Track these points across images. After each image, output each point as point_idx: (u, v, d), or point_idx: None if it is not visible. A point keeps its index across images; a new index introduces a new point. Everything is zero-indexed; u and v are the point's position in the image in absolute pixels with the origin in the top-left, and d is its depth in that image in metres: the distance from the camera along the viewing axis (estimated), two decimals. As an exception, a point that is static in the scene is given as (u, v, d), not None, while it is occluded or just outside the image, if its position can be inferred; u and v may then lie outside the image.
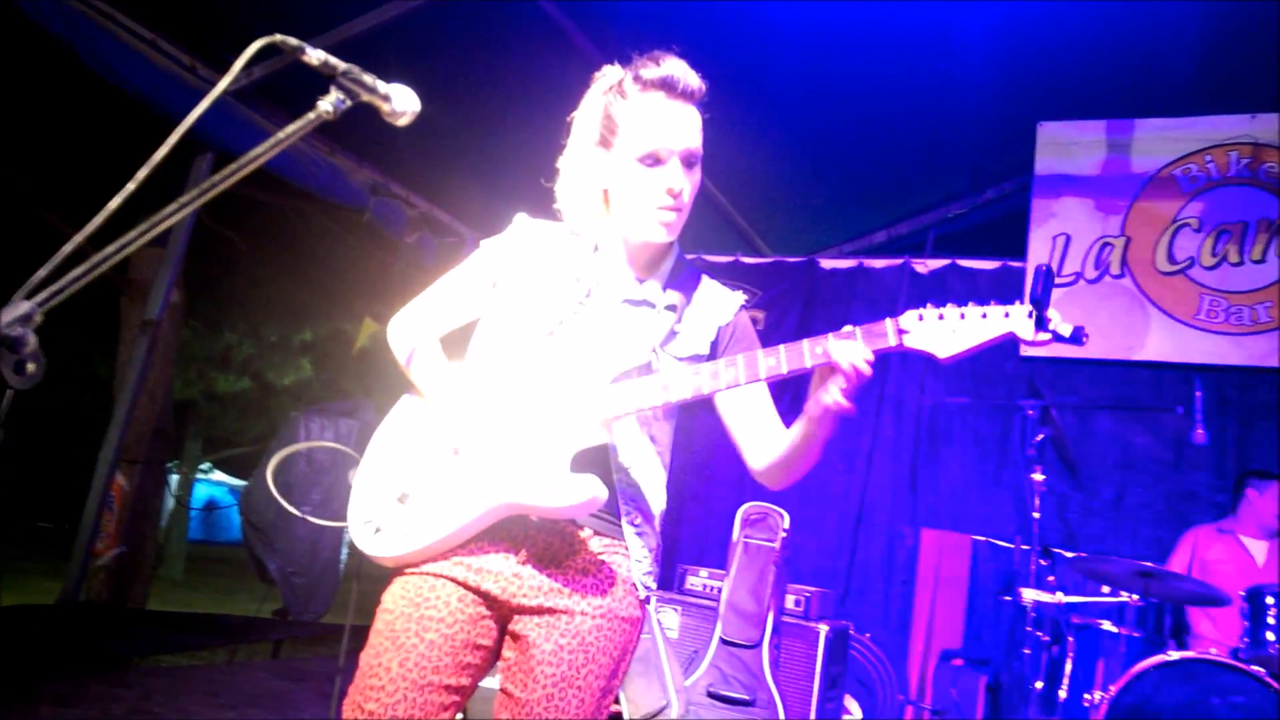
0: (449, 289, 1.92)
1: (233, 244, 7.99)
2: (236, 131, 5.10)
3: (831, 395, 1.65)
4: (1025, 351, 5.61)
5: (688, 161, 1.79)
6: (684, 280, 1.90)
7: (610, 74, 1.87)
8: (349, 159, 6.04)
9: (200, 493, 24.65)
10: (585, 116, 1.88)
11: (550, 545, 1.74)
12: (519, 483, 1.68)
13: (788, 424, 1.85)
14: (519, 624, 1.73)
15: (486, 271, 1.91)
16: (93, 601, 6.91)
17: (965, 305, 1.66)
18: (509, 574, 1.72)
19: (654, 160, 1.76)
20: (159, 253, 5.87)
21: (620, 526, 1.79)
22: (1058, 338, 1.65)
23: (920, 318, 1.65)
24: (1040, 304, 1.63)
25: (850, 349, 1.63)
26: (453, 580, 1.71)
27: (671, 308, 1.84)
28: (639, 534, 1.81)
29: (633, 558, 1.80)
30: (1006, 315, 1.63)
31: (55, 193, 7.40)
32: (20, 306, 1.25)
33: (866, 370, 1.63)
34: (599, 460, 1.74)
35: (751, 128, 5.51)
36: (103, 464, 5.43)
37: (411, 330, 1.89)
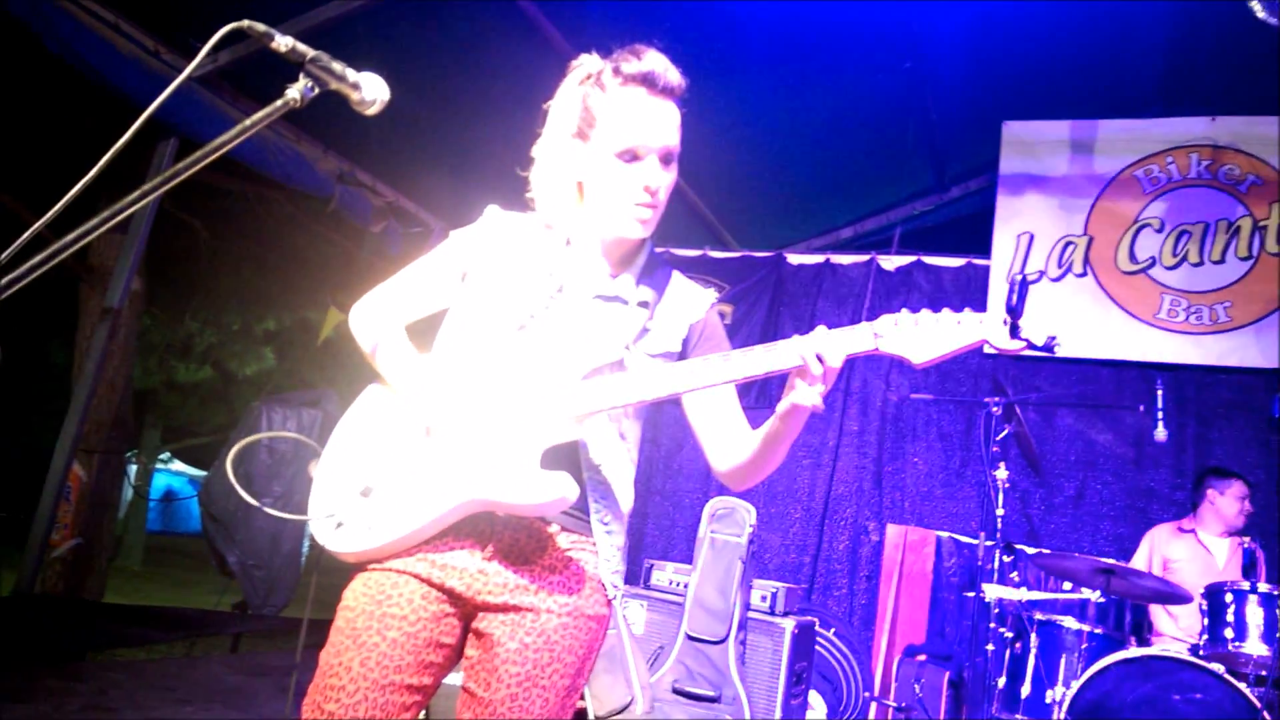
0: (416, 277, 1.87)
1: (195, 231, 7.86)
2: (201, 117, 5.01)
3: (804, 394, 1.64)
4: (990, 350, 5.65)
5: (665, 159, 1.77)
6: (656, 276, 1.88)
7: (588, 63, 1.84)
8: (315, 146, 5.95)
9: (159, 482, 24.35)
10: (562, 106, 1.85)
11: (517, 541, 1.71)
12: (488, 479, 1.64)
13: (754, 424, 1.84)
14: (483, 621, 1.70)
15: (456, 262, 1.87)
16: (48, 593, 6.78)
17: (940, 310, 1.66)
18: (474, 570, 1.68)
19: (632, 157, 1.73)
20: (119, 239, 5.77)
21: (589, 523, 1.77)
22: (1031, 346, 1.65)
23: (896, 323, 1.65)
24: (1015, 313, 1.63)
25: (828, 350, 1.62)
26: (416, 577, 1.67)
27: (644, 304, 1.82)
28: (608, 532, 1.79)
29: (601, 556, 1.78)
30: (981, 322, 1.63)
31: (12, 176, 7.24)
32: (-27, 298, 1.21)
33: (835, 369, 1.63)
34: (569, 457, 1.72)
35: (720, 123, 5.51)
36: (60, 454, 5.32)
37: (377, 318, 1.84)
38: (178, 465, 24.58)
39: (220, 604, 6.76)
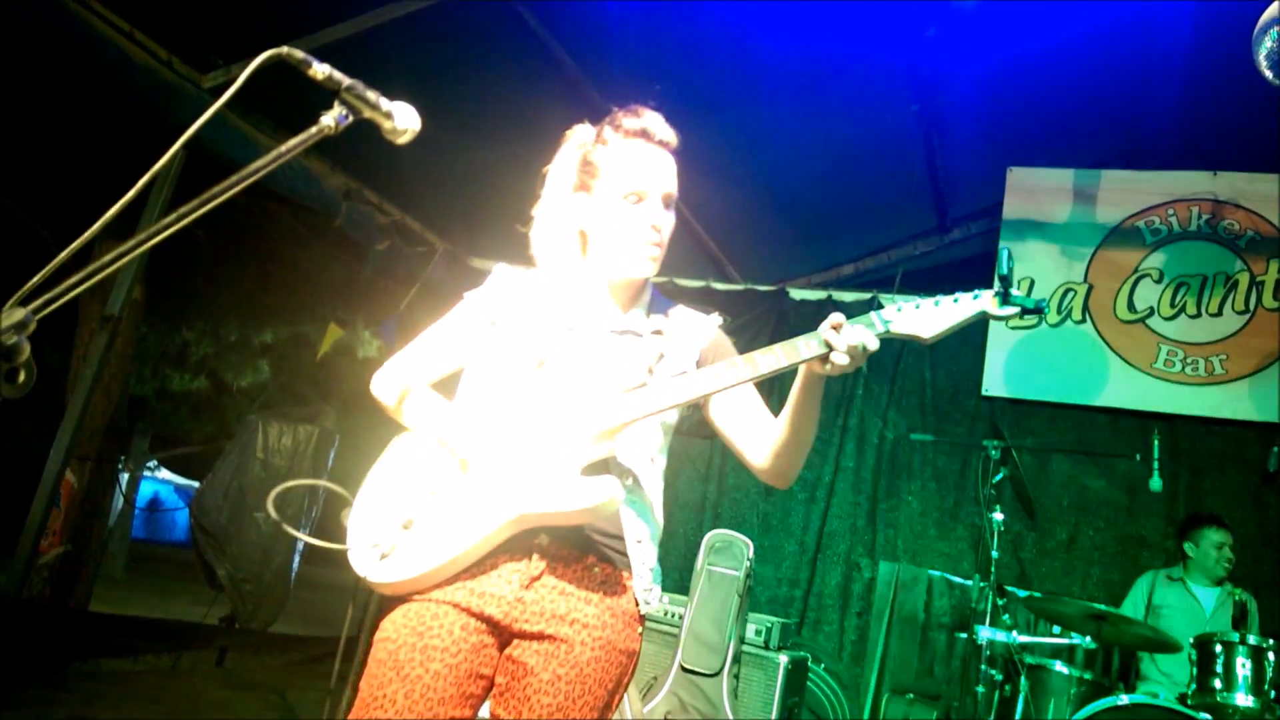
0: (437, 339, 1.96)
1: (197, 241, 7.87)
2: (210, 129, 5.03)
3: (825, 367, 1.72)
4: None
5: (666, 203, 1.89)
6: (661, 309, 1.97)
7: (582, 131, 1.97)
8: (323, 162, 5.99)
9: (143, 490, 24.19)
10: (561, 166, 1.97)
11: (555, 570, 1.75)
12: (534, 492, 1.68)
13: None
14: (518, 649, 1.74)
15: (476, 318, 1.95)
16: (34, 601, 6.74)
17: (936, 296, 1.79)
18: (511, 599, 1.72)
19: (638, 199, 1.85)
20: (121, 247, 5.76)
21: (625, 554, 1.82)
22: (1024, 310, 1.79)
23: (899, 309, 1.77)
24: (1005, 280, 1.76)
25: (848, 331, 1.69)
26: (455, 606, 1.71)
27: (657, 333, 1.90)
28: (641, 550, 1.84)
29: (635, 574, 1.82)
30: (975, 297, 1.77)
31: (16, 178, 7.25)
32: (15, 314, 1.22)
33: (868, 348, 1.70)
34: (597, 471, 1.76)
35: (726, 156, 5.56)
36: (54, 459, 5.29)
37: (400, 378, 1.92)
38: (163, 474, 24.44)
39: (208, 617, 6.72)
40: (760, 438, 1.91)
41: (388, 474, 1.89)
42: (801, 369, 1.76)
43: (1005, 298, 1.74)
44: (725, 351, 1.97)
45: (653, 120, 1.88)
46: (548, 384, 1.80)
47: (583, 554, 1.77)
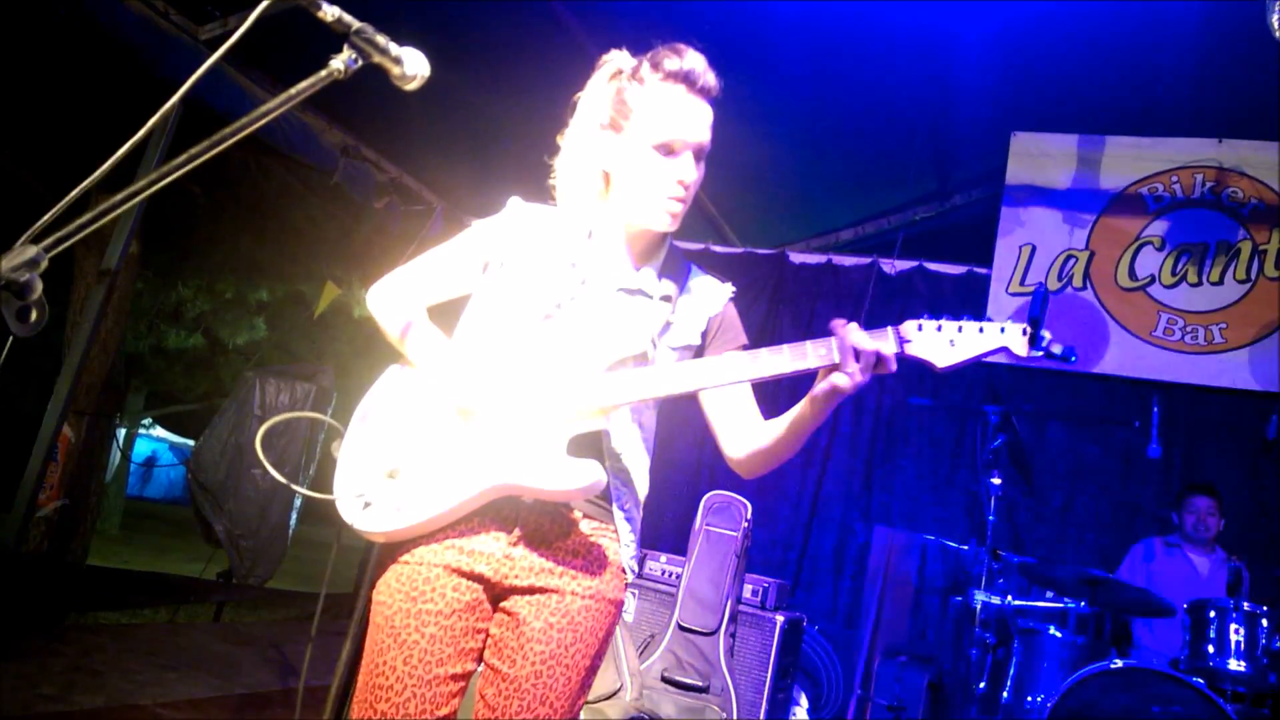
0: (439, 262, 1.89)
1: (193, 196, 7.80)
2: (207, 82, 4.97)
3: (840, 379, 1.65)
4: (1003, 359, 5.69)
5: (698, 155, 1.81)
6: (676, 270, 1.91)
7: (618, 59, 1.87)
8: (320, 118, 5.92)
9: (138, 448, 24.23)
10: (593, 98, 1.88)
11: (541, 526, 1.74)
12: (518, 465, 1.67)
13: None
14: (509, 602, 1.75)
15: (479, 251, 1.89)
16: (32, 554, 6.76)
17: (962, 319, 1.70)
18: (500, 555, 1.72)
19: (668, 150, 1.77)
20: (114, 197, 5.70)
21: (610, 510, 1.81)
22: (1049, 356, 1.70)
23: (919, 328, 1.69)
24: (1037, 323, 1.67)
25: (862, 349, 1.64)
26: (446, 568, 1.71)
27: (666, 298, 1.85)
28: (627, 518, 1.84)
29: (621, 541, 1.83)
30: (1002, 331, 1.68)
31: (7, 129, 7.17)
32: (27, 251, 1.20)
33: (869, 368, 1.66)
34: (592, 445, 1.75)
35: (726, 119, 5.49)
36: (52, 414, 5.26)
37: (400, 299, 1.85)
38: (158, 431, 24.47)
39: (205, 572, 6.74)
40: (743, 433, 1.87)
41: (378, 410, 1.85)
42: (818, 383, 1.69)
43: (1035, 341, 1.66)
44: (731, 325, 1.93)
45: (696, 63, 1.77)
46: (550, 341, 1.77)
47: (568, 512, 1.76)
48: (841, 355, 1.64)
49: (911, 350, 1.68)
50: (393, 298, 1.85)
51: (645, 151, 1.77)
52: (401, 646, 1.66)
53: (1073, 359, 1.72)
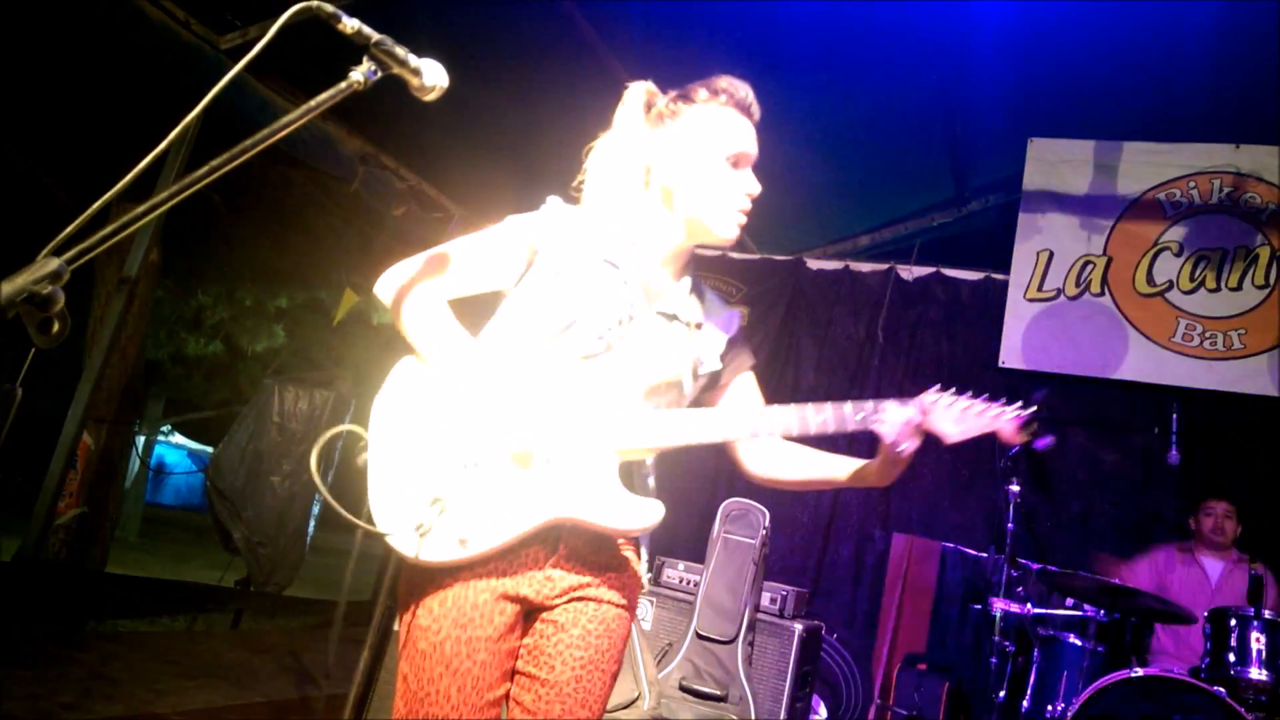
0: (471, 254, 1.82)
1: (213, 204, 7.86)
2: (229, 92, 5.01)
3: (904, 455, 1.79)
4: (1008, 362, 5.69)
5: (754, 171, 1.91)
6: (697, 289, 1.96)
7: (647, 86, 1.94)
8: (340, 127, 5.96)
9: (156, 455, 24.35)
10: (636, 112, 1.93)
11: (580, 546, 1.78)
12: (581, 500, 1.70)
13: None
14: (546, 612, 1.78)
15: (521, 247, 1.83)
16: (51, 561, 6.80)
17: (978, 400, 1.81)
18: (542, 577, 1.75)
19: (736, 163, 1.85)
20: (138, 209, 5.76)
21: (637, 537, 1.89)
22: (1032, 444, 1.93)
23: (936, 398, 1.80)
24: (1037, 420, 1.81)
25: (892, 409, 1.77)
26: (492, 591, 1.71)
27: (698, 325, 1.90)
28: (647, 540, 1.93)
29: (641, 555, 1.90)
30: (998, 415, 1.79)
31: (30, 137, 7.25)
32: (50, 264, 1.21)
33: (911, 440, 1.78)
34: (635, 471, 1.82)
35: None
36: (72, 421, 5.32)
37: (422, 291, 1.77)
38: (176, 438, 24.60)
39: (224, 580, 6.77)
40: (765, 453, 1.97)
41: (401, 416, 1.77)
42: (887, 461, 1.82)
43: (1029, 432, 1.80)
44: (744, 350, 2.00)
45: (753, 96, 1.90)
46: (597, 367, 1.77)
47: (603, 538, 1.80)
48: (898, 431, 1.76)
49: (929, 423, 1.79)
50: (413, 288, 1.76)
51: (718, 164, 1.83)
52: (455, 675, 1.67)
53: (1049, 448, 1.85)
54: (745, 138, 1.86)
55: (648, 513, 1.71)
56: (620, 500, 1.71)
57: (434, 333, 1.76)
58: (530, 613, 1.77)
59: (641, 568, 1.89)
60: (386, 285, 1.78)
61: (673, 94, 1.91)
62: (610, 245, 1.84)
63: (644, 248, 1.87)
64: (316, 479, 1.73)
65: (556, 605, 1.76)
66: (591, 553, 1.78)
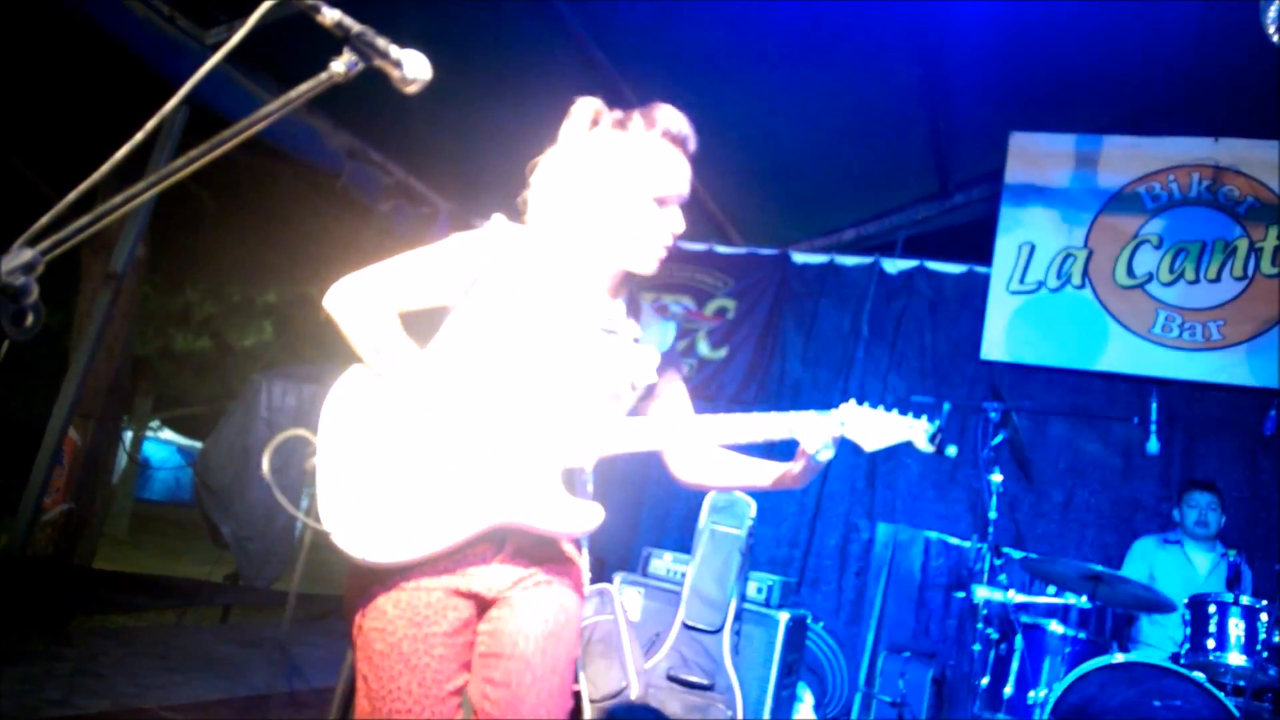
0: (420, 270, 1.83)
1: (200, 200, 7.86)
2: (209, 83, 5.01)
3: (817, 461, 1.93)
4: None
5: (681, 208, 1.94)
6: (631, 305, 2.01)
7: (593, 104, 1.93)
8: (327, 121, 5.96)
9: (145, 451, 24.25)
10: (578, 137, 1.91)
11: (524, 545, 1.84)
12: (523, 504, 1.77)
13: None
14: (499, 601, 1.84)
15: (467, 265, 1.85)
16: (38, 557, 6.80)
17: (890, 410, 1.98)
18: (490, 573, 1.81)
19: (664, 202, 1.89)
20: (123, 194, 5.75)
21: (579, 538, 1.96)
22: (939, 452, 2.03)
23: (854, 409, 1.96)
24: (941, 432, 2.00)
25: (809, 432, 1.90)
26: (443, 589, 1.76)
27: (635, 339, 1.97)
28: (587, 540, 1.98)
29: (582, 554, 1.97)
30: (910, 427, 1.96)
31: (15, 133, 7.23)
32: (23, 254, 1.20)
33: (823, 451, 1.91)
34: (575, 476, 1.87)
35: (730, 118, 5.54)
36: (57, 418, 5.32)
37: (372, 303, 1.78)
38: (164, 434, 24.51)
39: (212, 574, 6.78)
40: (693, 460, 2.05)
41: (348, 420, 1.80)
42: (800, 464, 1.95)
43: (934, 442, 1.97)
44: (675, 361, 2.09)
45: (687, 128, 1.91)
46: (538, 377, 1.81)
47: (547, 538, 1.88)
48: (819, 440, 1.89)
49: (848, 431, 1.94)
50: (362, 299, 1.78)
51: (644, 201, 1.86)
52: (414, 671, 1.73)
53: (952, 457, 2.09)
54: (674, 178, 1.89)
55: (588, 516, 1.81)
56: (562, 504, 1.80)
57: (381, 343, 1.79)
58: (483, 607, 1.83)
59: (584, 562, 1.96)
60: (335, 298, 1.79)
61: (613, 118, 1.90)
62: (551, 263, 1.88)
63: (583, 266, 1.90)
64: (269, 478, 1.81)
65: (508, 594, 1.82)
66: (536, 549, 1.85)
